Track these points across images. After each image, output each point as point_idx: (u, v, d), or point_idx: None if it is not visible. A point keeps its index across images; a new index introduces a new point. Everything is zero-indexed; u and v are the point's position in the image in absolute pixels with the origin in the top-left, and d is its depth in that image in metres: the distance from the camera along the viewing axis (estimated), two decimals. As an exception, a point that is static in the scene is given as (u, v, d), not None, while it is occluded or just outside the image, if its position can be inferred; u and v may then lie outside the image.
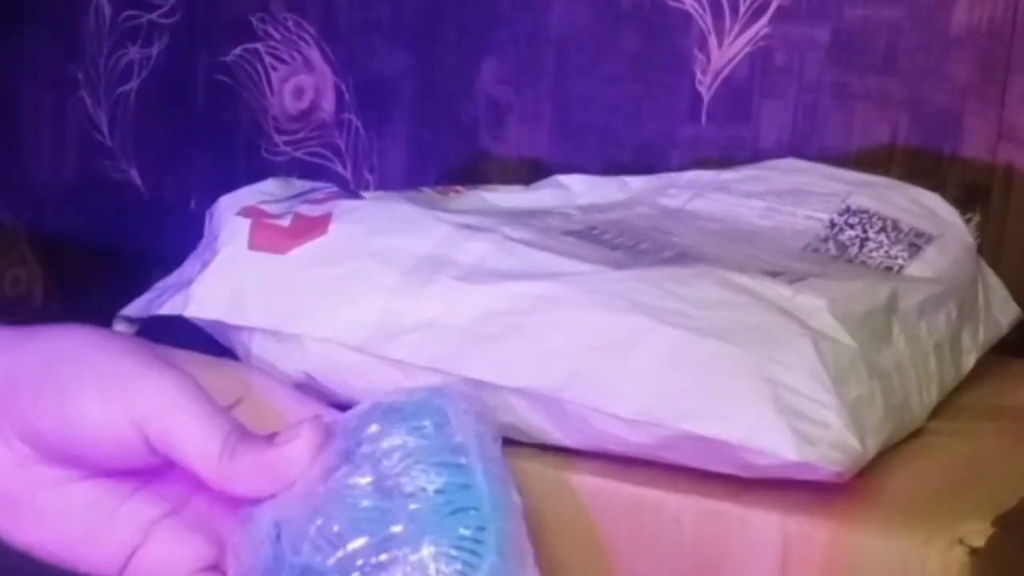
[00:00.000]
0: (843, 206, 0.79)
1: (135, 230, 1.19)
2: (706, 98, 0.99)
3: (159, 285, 0.76)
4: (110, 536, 0.56)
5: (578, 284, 0.67)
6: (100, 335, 0.56)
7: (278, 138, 1.13)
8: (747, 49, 0.97)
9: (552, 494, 0.64)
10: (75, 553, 0.56)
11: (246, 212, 0.73)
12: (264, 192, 0.76)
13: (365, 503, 0.51)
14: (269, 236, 0.71)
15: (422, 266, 0.69)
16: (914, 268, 0.76)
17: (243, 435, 0.54)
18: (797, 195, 0.81)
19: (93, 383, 0.54)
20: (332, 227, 0.71)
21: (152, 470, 0.55)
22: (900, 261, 0.76)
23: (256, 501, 0.53)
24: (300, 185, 0.78)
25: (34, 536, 0.56)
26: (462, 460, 0.52)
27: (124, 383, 0.54)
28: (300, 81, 1.12)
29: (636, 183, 0.84)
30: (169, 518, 0.56)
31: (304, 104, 1.12)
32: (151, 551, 0.56)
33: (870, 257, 0.76)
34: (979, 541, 0.59)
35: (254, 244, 0.71)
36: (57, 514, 0.56)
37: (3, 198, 1.26)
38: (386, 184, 1.09)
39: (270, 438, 0.54)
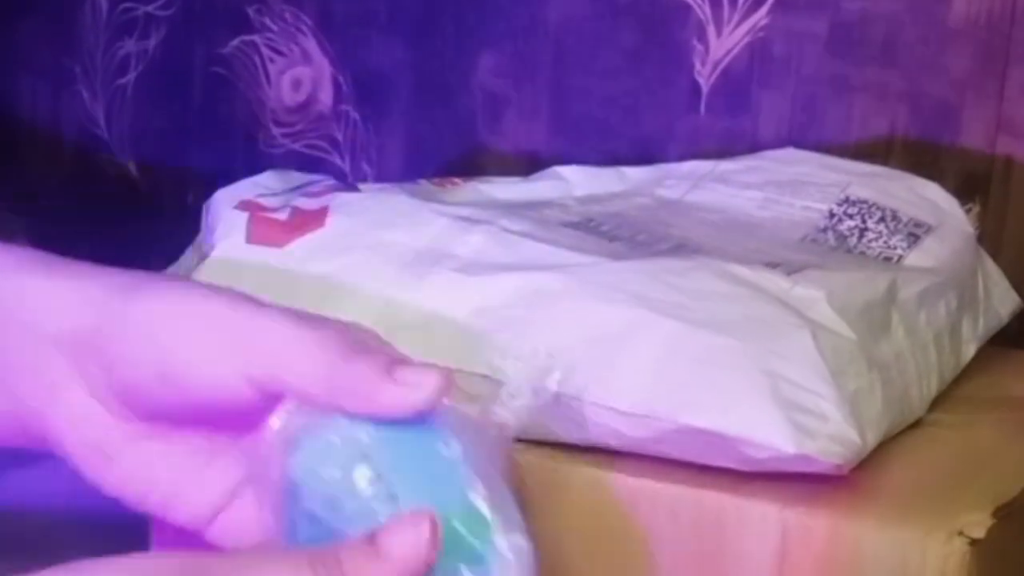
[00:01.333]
0: (842, 196, 0.79)
1: (132, 224, 1.19)
2: (705, 89, 0.99)
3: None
4: (199, 494, 0.55)
5: (576, 276, 0.67)
6: (202, 288, 0.55)
7: (276, 130, 1.13)
8: (746, 40, 0.97)
9: (550, 487, 0.64)
10: (163, 507, 0.55)
11: (243, 205, 0.72)
12: (262, 185, 0.76)
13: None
14: (267, 229, 0.71)
15: (420, 259, 0.69)
16: (913, 258, 0.76)
17: (358, 348, 0.51)
18: (796, 186, 0.80)
19: (202, 331, 0.52)
20: (330, 220, 0.71)
21: (246, 425, 0.54)
22: (899, 251, 0.76)
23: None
24: (298, 178, 0.78)
25: (124, 487, 0.55)
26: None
27: (235, 334, 0.52)
28: (298, 73, 1.12)
29: (634, 174, 0.84)
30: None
31: (302, 96, 1.12)
32: (236, 511, 0.55)
33: (869, 247, 0.76)
34: (979, 532, 0.59)
35: (252, 237, 0.71)
36: (147, 467, 0.55)
37: None
38: (384, 177, 1.09)
39: (391, 365, 0.50)
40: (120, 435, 0.55)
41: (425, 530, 0.47)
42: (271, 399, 0.52)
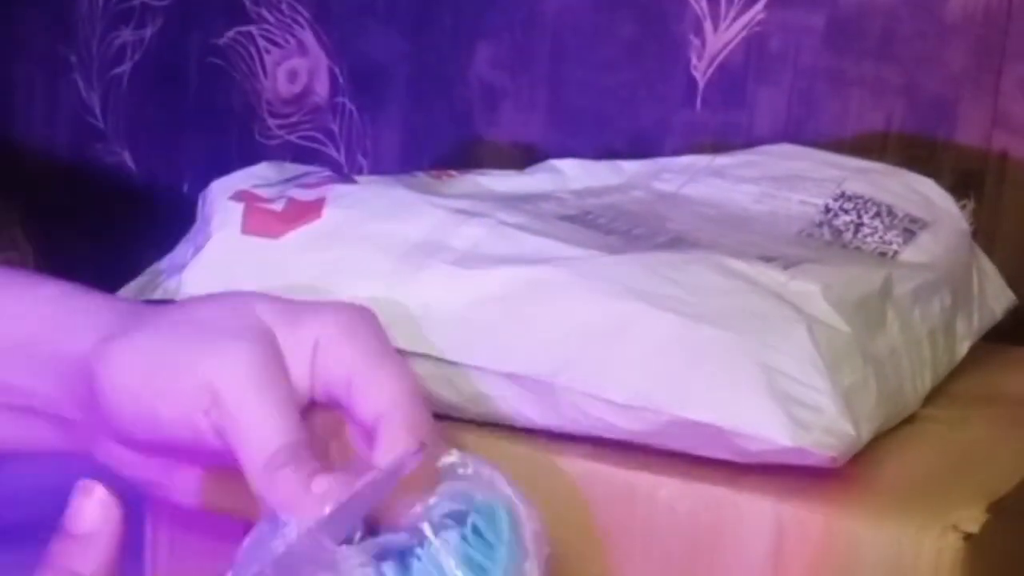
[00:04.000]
0: (838, 191, 0.79)
1: (127, 214, 1.19)
2: (701, 83, 0.99)
3: (151, 269, 0.75)
4: None
5: (572, 269, 0.67)
6: (190, 307, 0.57)
7: (271, 122, 1.13)
8: (742, 34, 0.97)
9: (544, 479, 0.64)
10: None
11: (239, 196, 0.72)
12: (257, 176, 0.75)
13: None
14: (262, 220, 0.71)
15: (416, 251, 0.69)
16: (908, 254, 0.76)
17: (299, 451, 0.54)
18: (792, 180, 0.80)
19: (166, 379, 0.55)
20: (325, 212, 0.71)
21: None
22: (894, 247, 0.76)
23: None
24: (293, 169, 0.78)
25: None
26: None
27: (193, 369, 0.55)
28: (294, 64, 1.12)
29: (631, 168, 0.84)
30: None
31: (298, 88, 1.12)
32: None
33: (865, 243, 0.76)
34: (973, 527, 0.59)
35: (247, 228, 0.71)
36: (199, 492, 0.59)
37: (-5, 181, 1.26)
38: (379, 169, 1.09)
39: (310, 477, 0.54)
40: (156, 468, 0.59)
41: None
42: None
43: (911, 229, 0.78)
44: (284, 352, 0.57)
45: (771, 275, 0.67)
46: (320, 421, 0.60)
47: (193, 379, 0.54)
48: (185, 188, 1.16)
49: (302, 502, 0.52)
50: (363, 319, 0.59)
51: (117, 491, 0.52)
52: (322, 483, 0.53)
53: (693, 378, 0.62)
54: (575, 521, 0.63)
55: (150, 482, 0.59)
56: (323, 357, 0.58)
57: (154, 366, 0.55)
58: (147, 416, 0.55)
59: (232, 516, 0.59)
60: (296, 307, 0.59)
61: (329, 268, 0.69)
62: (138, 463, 0.58)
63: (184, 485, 0.59)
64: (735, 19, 0.97)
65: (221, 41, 1.14)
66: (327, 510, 0.52)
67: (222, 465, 0.57)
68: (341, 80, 1.10)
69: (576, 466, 0.64)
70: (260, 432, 0.54)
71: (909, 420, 0.70)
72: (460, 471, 0.54)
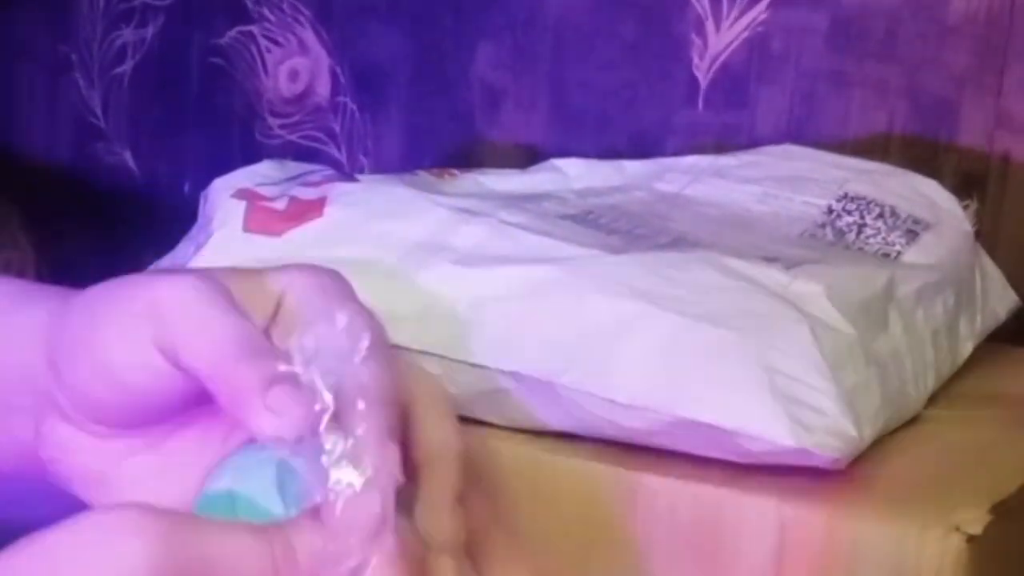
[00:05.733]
0: (841, 192, 0.79)
1: (128, 213, 1.19)
2: (703, 84, 0.98)
3: (153, 267, 0.75)
4: None
5: (574, 269, 0.67)
6: (125, 277, 0.54)
7: (272, 121, 1.13)
8: (744, 35, 0.97)
9: (546, 479, 0.64)
10: None
11: (241, 194, 0.72)
12: (259, 174, 0.75)
13: None
14: (264, 218, 0.71)
15: (418, 250, 0.69)
16: (911, 255, 0.76)
17: (253, 351, 0.49)
18: (794, 181, 0.80)
19: (114, 314, 0.51)
20: (327, 210, 0.71)
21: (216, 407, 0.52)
22: (897, 248, 0.76)
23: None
24: (295, 168, 0.78)
25: None
26: None
27: (137, 298, 0.51)
28: (295, 64, 1.12)
29: (633, 168, 0.84)
30: None
31: (299, 87, 1.12)
32: None
33: (867, 244, 0.76)
34: (976, 528, 0.58)
35: (249, 226, 0.71)
36: (147, 481, 0.54)
37: (-5, 180, 1.26)
38: (380, 168, 1.09)
39: (270, 384, 0.49)
40: (108, 456, 0.54)
41: (374, 501, 0.46)
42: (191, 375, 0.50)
43: (914, 230, 0.78)
44: (243, 301, 0.52)
45: (773, 276, 0.67)
46: None
47: (138, 309, 0.50)
48: (186, 188, 1.16)
49: (257, 414, 0.48)
50: (332, 277, 0.56)
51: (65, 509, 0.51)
52: (279, 395, 0.48)
53: (695, 378, 0.62)
54: (577, 521, 0.63)
55: (99, 476, 0.56)
56: (286, 311, 0.54)
57: (101, 312, 0.53)
58: (102, 367, 0.52)
59: None
60: (259, 268, 0.56)
61: (330, 266, 0.69)
62: (89, 448, 0.54)
63: (132, 473, 0.55)
64: (737, 19, 0.97)
65: (222, 40, 1.14)
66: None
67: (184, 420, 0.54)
68: (342, 79, 1.10)
69: (578, 466, 0.63)
70: (206, 345, 0.49)
71: (912, 421, 0.69)
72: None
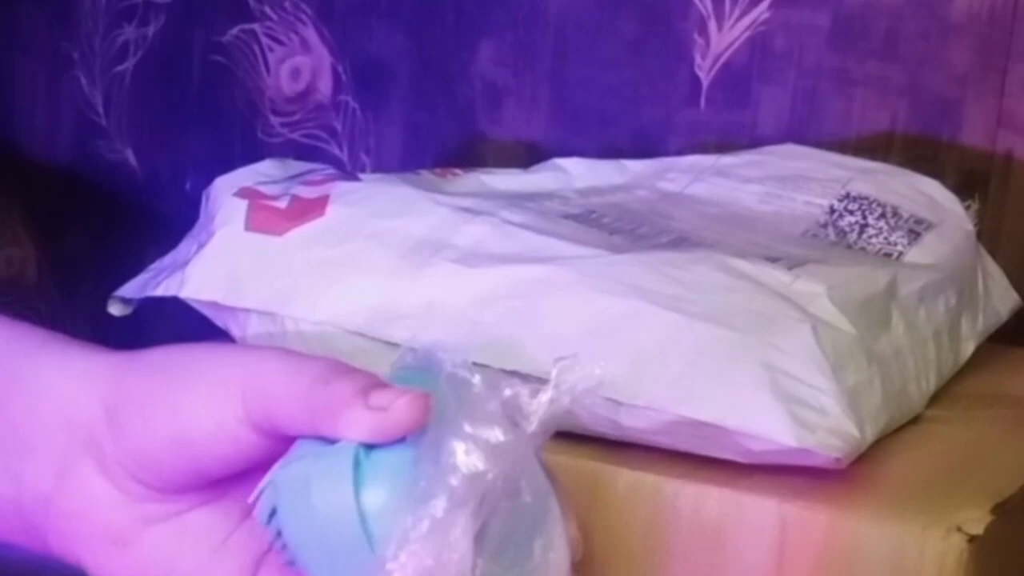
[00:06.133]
0: (843, 192, 0.79)
1: (130, 211, 1.19)
2: (705, 83, 0.98)
3: (154, 266, 0.75)
4: (223, 568, 0.54)
5: (576, 268, 0.66)
6: (203, 344, 0.55)
7: (274, 119, 1.13)
8: (747, 34, 0.97)
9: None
10: None
11: (243, 193, 0.72)
12: (261, 173, 0.75)
13: None
14: (266, 217, 0.71)
15: (420, 249, 0.69)
16: (913, 255, 0.76)
17: (339, 370, 0.51)
18: (797, 181, 0.80)
19: (202, 383, 0.52)
20: (330, 209, 0.71)
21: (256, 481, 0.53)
22: (899, 247, 0.76)
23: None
24: (297, 166, 0.78)
25: (140, 574, 0.55)
26: None
27: (225, 365, 0.52)
28: (297, 62, 1.12)
29: (635, 167, 0.84)
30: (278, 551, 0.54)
31: (301, 85, 1.12)
32: None
33: (869, 243, 0.76)
34: (977, 528, 0.58)
35: (251, 225, 0.71)
36: (163, 553, 0.54)
37: (-3, 178, 1.26)
38: (382, 167, 1.09)
39: (368, 389, 0.50)
40: (133, 519, 0.54)
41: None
42: (273, 441, 0.52)
43: (916, 230, 0.78)
44: None
45: (775, 275, 0.67)
46: None
47: (226, 377, 0.52)
48: (187, 186, 1.16)
49: (362, 415, 0.49)
50: None
51: None
52: (381, 396, 0.50)
53: (697, 378, 0.62)
54: (578, 520, 0.63)
55: (120, 537, 0.54)
56: None
57: (182, 377, 0.53)
58: (181, 433, 0.52)
59: None
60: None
61: (333, 265, 0.69)
62: (119, 507, 0.54)
63: (156, 540, 0.55)
64: (739, 18, 0.97)
65: (224, 39, 1.14)
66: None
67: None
68: (344, 78, 1.10)
69: (580, 465, 0.63)
70: (295, 380, 0.51)
71: (914, 421, 0.69)
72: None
